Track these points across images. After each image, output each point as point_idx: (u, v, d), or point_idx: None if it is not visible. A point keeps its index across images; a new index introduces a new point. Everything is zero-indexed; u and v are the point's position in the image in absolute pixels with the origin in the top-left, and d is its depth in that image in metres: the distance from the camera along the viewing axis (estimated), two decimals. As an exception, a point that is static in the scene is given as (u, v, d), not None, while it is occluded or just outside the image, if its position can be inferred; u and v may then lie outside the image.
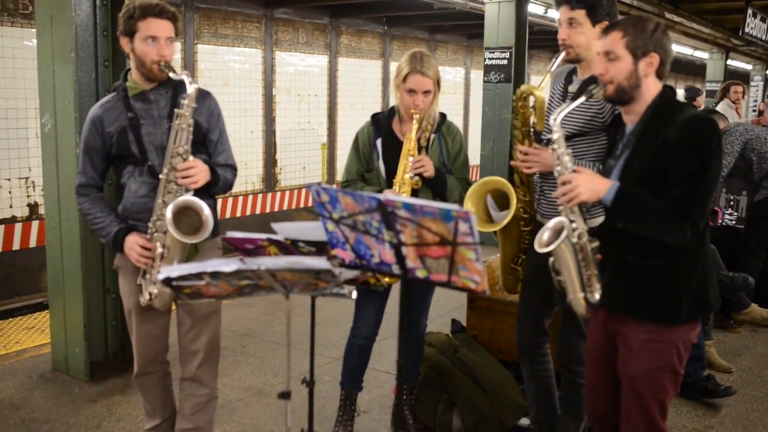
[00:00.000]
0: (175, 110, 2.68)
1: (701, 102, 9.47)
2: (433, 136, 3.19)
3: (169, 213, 2.62)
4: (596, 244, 2.34)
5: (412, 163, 3.05)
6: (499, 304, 3.86)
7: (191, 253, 2.83)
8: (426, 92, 3.09)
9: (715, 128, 2.26)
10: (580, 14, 2.73)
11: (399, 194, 3.01)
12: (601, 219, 2.52)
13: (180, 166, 2.67)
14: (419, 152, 3.14)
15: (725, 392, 3.97)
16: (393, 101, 3.25)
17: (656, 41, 2.30)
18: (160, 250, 2.70)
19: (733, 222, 6.19)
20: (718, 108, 9.43)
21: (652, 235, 2.25)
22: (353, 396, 3.47)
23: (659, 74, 2.34)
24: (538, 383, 3.18)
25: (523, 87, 2.81)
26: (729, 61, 16.66)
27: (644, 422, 2.39)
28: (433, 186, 3.13)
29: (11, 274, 8.42)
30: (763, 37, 11.88)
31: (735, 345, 4.91)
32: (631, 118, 2.38)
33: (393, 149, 3.16)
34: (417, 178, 3.07)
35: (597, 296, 2.37)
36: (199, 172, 2.71)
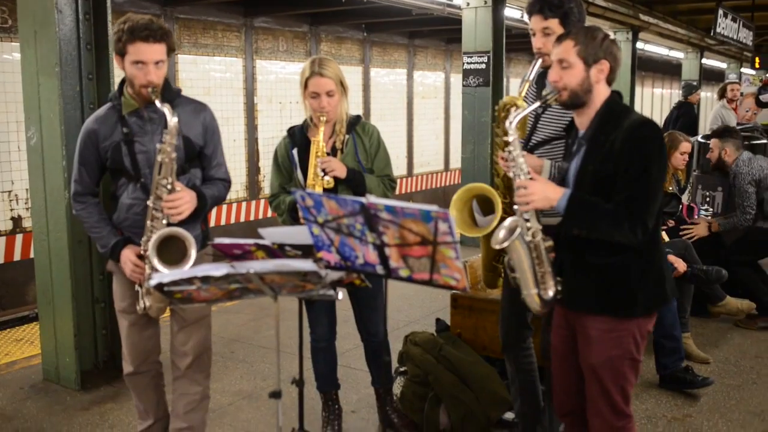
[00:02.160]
0: (157, 145, 2.72)
1: (697, 98, 9.58)
2: (347, 137, 3.24)
3: (151, 249, 2.69)
4: (550, 243, 2.44)
5: (319, 164, 3.09)
6: (482, 302, 3.96)
7: None
8: (329, 93, 3.14)
9: (656, 130, 2.39)
10: (554, 23, 2.84)
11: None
12: (558, 218, 2.62)
13: (165, 198, 2.73)
14: (335, 154, 3.20)
15: (703, 383, 4.09)
16: (305, 114, 3.28)
17: (606, 49, 2.43)
18: (148, 271, 2.76)
19: (709, 217, 6.34)
20: (715, 110, 9.60)
21: (606, 237, 2.37)
22: (333, 395, 3.56)
23: (609, 80, 2.48)
24: (522, 377, 3.26)
25: (506, 99, 2.88)
26: (704, 60, 16.93)
27: (609, 408, 2.50)
28: (350, 186, 3.16)
29: (-3, 288, 8.42)
30: (735, 37, 12.10)
31: (712, 336, 5.04)
32: (583, 121, 2.51)
33: (309, 157, 3.19)
34: (328, 177, 3.10)
35: (551, 293, 2.45)
36: (184, 204, 2.76)
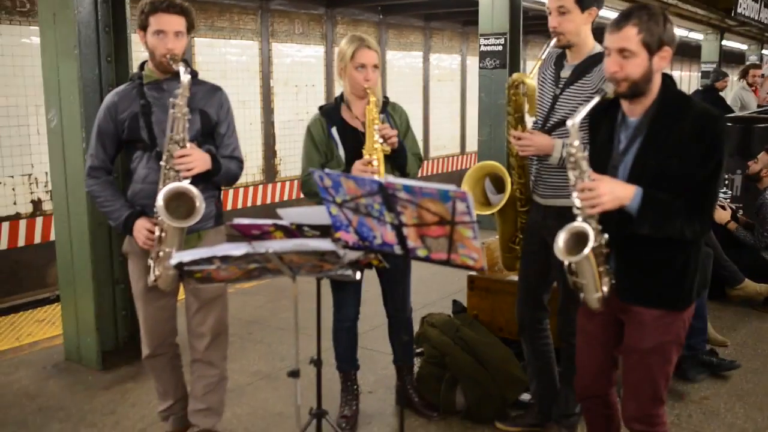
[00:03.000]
0: (170, 100, 2.76)
1: (725, 85, 9.44)
2: (381, 116, 3.23)
3: (160, 200, 2.71)
4: (606, 238, 2.32)
5: (378, 130, 3.06)
6: (498, 283, 3.97)
7: (194, 242, 2.93)
8: (375, 67, 3.17)
9: (724, 125, 2.31)
10: (569, 2, 2.81)
11: (372, 160, 3.04)
12: (565, 199, 2.53)
13: (176, 153, 2.76)
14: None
15: (730, 365, 4.10)
16: (338, 90, 3.30)
17: (668, 33, 2.27)
18: (157, 233, 2.80)
19: (728, 201, 6.30)
20: (735, 91, 9.47)
21: (674, 235, 2.29)
22: (352, 375, 3.59)
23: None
24: (539, 358, 3.28)
25: (514, 75, 2.91)
26: (724, 42, 16.70)
27: (650, 395, 2.46)
28: (395, 157, 3.17)
29: (17, 271, 8.51)
30: (756, 17, 11.94)
31: (730, 320, 5.02)
32: (635, 108, 2.36)
33: (349, 136, 3.22)
34: (385, 144, 3.09)
35: (606, 289, 2.37)
36: (195, 159, 2.79)
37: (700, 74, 17.22)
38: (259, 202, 11.31)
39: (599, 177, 2.28)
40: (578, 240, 2.26)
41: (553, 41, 2.87)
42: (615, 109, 2.44)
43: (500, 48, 7.52)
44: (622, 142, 2.40)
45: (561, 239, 2.28)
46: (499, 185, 3.06)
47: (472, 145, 15.34)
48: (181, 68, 2.76)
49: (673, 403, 3.74)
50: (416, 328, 4.00)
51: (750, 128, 6.52)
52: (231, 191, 10.80)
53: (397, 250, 2.33)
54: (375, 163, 3.04)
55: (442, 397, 3.61)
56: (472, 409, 3.54)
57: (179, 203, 2.74)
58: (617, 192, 2.25)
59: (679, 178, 2.27)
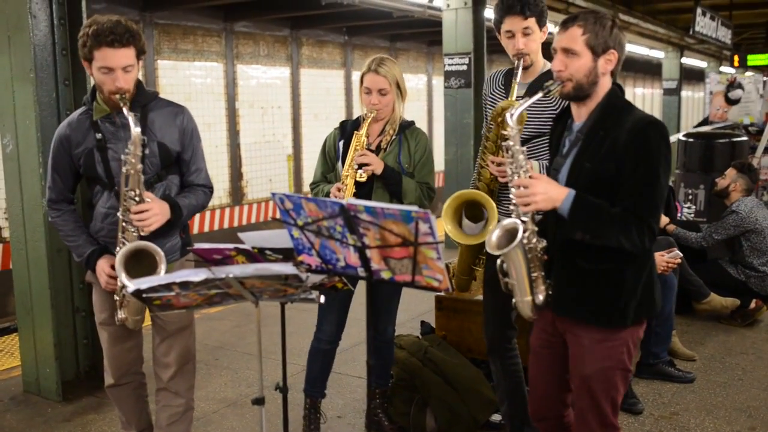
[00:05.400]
0: (122, 156, 2.61)
1: None
2: (394, 137, 3.27)
3: (118, 264, 2.62)
4: (544, 244, 2.31)
5: (356, 158, 3.14)
6: (466, 303, 3.94)
7: None
8: (381, 91, 3.18)
9: (664, 131, 2.25)
10: (532, 22, 2.84)
11: (344, 187, 3.13)
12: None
13: (133, 209, 2.62)
14: (377, 153, 3.23)
15: (687, 378, 4.19)
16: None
17: (615, 38, 2.28)
18: (120, 283, 2.68)
19: (692, 215, 6.37)
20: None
21: (611, 244, 2.22)
22: (318, 404, 3.52)
23: (612, 72, 2.33)
24: (508, 378, 3.24)
25: (503, 103, 2.84)
26: (684, 60, 17.08)
27: (598, 421, 2.38)
28: (386, 184, 3.20)
29: (-23, 299, 8.30)
30: (713, 35, 12.20)
31: (698, 334, 5.05)
32: (581, 113, 2.36)
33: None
34: (361, 171, 3.14)
35: (541, 297, 2.34)
36: (153, 215, 2.64)
37: (662, 92, 17.54)
38: (226, 225, 11.20)
39: (537, 176, 2.27)
40: (510, 238, 2.25)
41: (521, 63, 2.87)
42: (567, 116, 2.46)
43: (465, 67, 7.56)
44: (566, 146, 2.40)
45: (494, 235, 2.28)
46: (471, 212, 2.98)
47: (439, 164, 15.40)
48: (131, 119, 2.57)
49: (643, 420, 3.73)
50: (385, 350, 3.95)
51: (711, 144, 6.62)
52: (197, 215, 10.67)
53: (361, 272, 2.28)
54: (343, 188, 3.12)
55: (413, 420, 3.56)
56: (442, 431, 3.48)
57: (141, 256, 2.66)
58: (551, 193, 2.23)
59: (614, 184, 2.23)
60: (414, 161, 3.28)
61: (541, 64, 2.97)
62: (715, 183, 5.57)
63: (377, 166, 3.15)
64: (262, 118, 11.69)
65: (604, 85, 2.32)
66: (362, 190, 3.17)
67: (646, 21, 12.72)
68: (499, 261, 2.34)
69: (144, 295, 2.31)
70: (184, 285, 2.29)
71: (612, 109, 2.31)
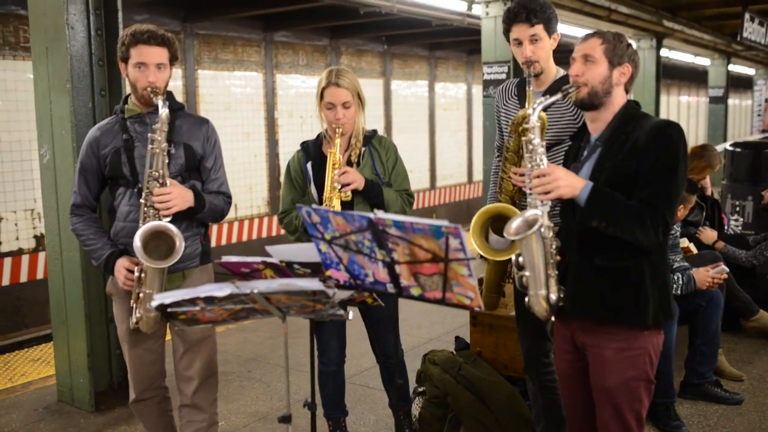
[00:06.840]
0: (149, 135, 2.67)
1: None
2: (363, 149, 3.15)
3: (137, 241, 2.61)
4: (558, 243, 2.32)
5: (337, 175, 2.98)
6: (502, 319, 3.82)
7: (179, 281, 2.82)
8: (345, 105, 3.05)
9: (681, 132, 2.31)
10: (540, 29, 2.83)
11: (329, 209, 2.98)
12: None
13: (155, 191, 2.66)
14: (350, 167, 3.08)
15: (734, 399, 4.01)
16: (321, 126, 3.21)
17: (631, 55, 2.41)
18: (137, 273, 2.70)
19: (740, 228, 6.14)
20: None
21: (625, 234, 2.26)
22: (342, 423, 3.44)
23: (626, 88, 2.43)
24: (545, 396, 3.14)
25: (522, 112, 2.80)
26: (731, 67, 16.64)
27: None
28: (368, 198, 3.06)
29: (19, 307, 8.44)
30: (762, 41, 11.86)
31: (745, 353, 4.85)
32: (597, 125, 2.43)
33: (324, 171, 3.08)
34: (345, 190, 3.00)
35: (554, 297, 2.31)
36: (175, 197, 2.67)
37: (708, 100, 17.13)
38: (264, 235, 11.23)
39: (555, 166, 2.32)
40: (529, 228, 2.25)
41: (532, 71, 2.84)
42: (583, 133, 2.53)
43: (504, 76, 7.43)
44: (583, 155, 2.48)
45: (513, 223, 2.28)
46: (496, 226, 2.89)
47: (479, 173, 15.29)
48: (160, 101, 2.66)
49: (688, 443, 3.58)
50: (418, 365, 3.86)
51: (760, 154, 6.38)
52: (236, 224, 10.73)
53: (390, 288, 2.20)
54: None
55: (446, 439, 3.46)
56: (476, 451, 3.38)
57: (159, 242, 2.64)
58: (570, 179, 2.28)
59: (632, 183, 2.28)
60: (388, 170, 3.17)
61: (554, 71, 2.95)
62: (762, 196, 5.36)
63: (359, 182, 3.01)
64: (301, 127, 11.73)
65: (618, 96, 2.41)
66: (344, 207, 3.01)
67: (691, 27, 12.43)
68: (514, 256, 2.33)
69: (168, 310, 2.27)
70: (209, 300, 2.24)
71: (630, 118, 2.39)
